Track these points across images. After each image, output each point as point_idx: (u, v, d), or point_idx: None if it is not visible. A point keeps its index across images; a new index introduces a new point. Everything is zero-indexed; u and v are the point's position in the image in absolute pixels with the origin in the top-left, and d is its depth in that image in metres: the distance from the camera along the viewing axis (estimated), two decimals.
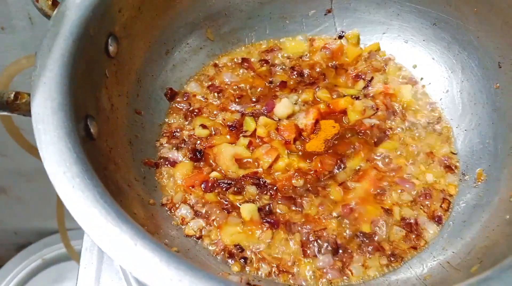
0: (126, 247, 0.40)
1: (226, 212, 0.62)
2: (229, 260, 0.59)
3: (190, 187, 0.65)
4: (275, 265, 0.59)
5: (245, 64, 0.78)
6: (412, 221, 0.62)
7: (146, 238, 0.41)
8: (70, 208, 0.43)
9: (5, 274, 1.40)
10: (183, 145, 0.69)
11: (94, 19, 0.58)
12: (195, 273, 0.38)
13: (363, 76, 0.77)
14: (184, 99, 0.74)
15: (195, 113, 0.72)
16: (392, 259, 0.59)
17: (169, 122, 0.72)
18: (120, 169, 0.59)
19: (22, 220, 1.45)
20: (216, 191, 0.64)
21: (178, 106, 0.73)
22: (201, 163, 0.67)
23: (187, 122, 0.72)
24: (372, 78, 0.76)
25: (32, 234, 1.48)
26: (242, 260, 0.59)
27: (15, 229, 1.48)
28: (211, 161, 0.67)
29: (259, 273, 0.58)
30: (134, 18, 0.66)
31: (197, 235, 0.61)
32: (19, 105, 0.51)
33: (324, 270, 0.58)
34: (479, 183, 0.65)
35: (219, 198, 0.64)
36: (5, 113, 0.51)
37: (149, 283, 0.38)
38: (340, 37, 0.81)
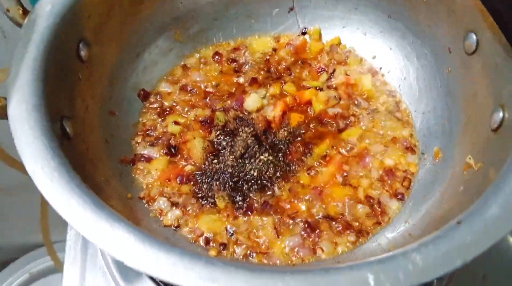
0: (103, 230, 0.43)
1: (201, 201, 0.66)
2: (207, 246, 0.62)
3: (167, 181, 0.68)
4: (250, 247, 0.62)
5: (217, 57, 0.82)
6: (375, 199, 0.67)
7: (121, 220, 0.44)
8: (50, 200, 0.46)
9: None
10: (158, 142, 0.72)
11: (64, 26, 0.60)
12: (167, 248, 0.41)
13: (326, 69, 0.81)
14: (157, 98, 0.77)
15: (168, 112, 0.76)
16: (359, 235, 0.64)
17: (143, 121, 0.75)
18: (97, 167, 0.61)
19: (5, 236, 1.45)
20: (191, 182, 0.68)
21: (152, 106, 0.76)
22: (176, 157, 0.71)
23: (160, 120, 0.75)
24: (334, 70, 0.81)
25: (17, 249, 1.47)
26: (221, 247, 0.62)
27: None
28: (185, 156, 0.71)
29: (235, 255, 0.61)
30: (104, 23, 0.68)
31: (175, 225, 0.64)
32: None
33: (296, 249, 0.62)
34: (437, 160, 0.69)
35: (194, 189, 0.67)
36: None
37: (125, 261, 0.41)
38: (303, 33, 0.86)
